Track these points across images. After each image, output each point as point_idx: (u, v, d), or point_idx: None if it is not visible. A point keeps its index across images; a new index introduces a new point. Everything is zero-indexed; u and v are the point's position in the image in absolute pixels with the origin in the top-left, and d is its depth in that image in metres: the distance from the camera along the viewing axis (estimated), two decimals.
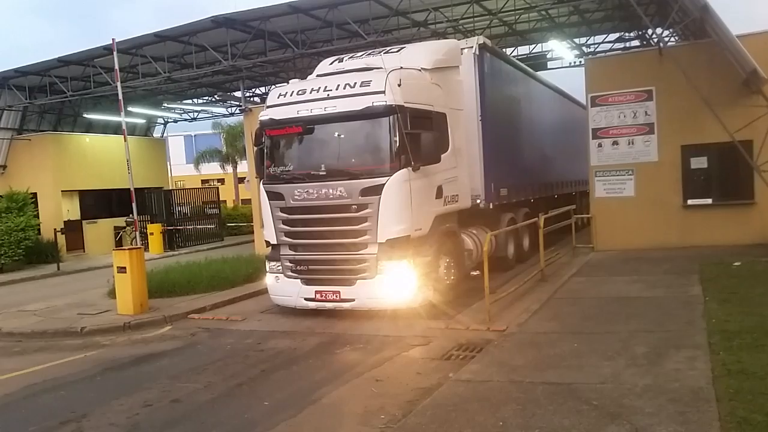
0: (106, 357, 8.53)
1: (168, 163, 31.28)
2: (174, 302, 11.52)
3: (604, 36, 22.31)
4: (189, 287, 12.34)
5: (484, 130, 11.49)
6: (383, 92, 8.84)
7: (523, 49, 22.90)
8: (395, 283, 8.91)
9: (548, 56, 22.66)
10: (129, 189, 12.66)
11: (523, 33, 20.77)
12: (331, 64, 11.24)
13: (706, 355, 6.15)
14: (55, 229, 20.45)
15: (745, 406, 4.77)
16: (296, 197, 9.42)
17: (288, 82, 10.44)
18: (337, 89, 9.25)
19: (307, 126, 9.36)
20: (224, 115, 33.26)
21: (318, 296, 9.47)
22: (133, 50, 18.16)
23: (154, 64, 18.60)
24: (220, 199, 29.51)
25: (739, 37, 11.41)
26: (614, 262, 12.56)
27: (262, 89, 26.97)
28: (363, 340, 8.29)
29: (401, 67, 9.47)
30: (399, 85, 8.94)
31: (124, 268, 10.67)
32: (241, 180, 30.73)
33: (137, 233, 14.31)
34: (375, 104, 8.83)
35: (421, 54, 10.50)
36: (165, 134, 32.03)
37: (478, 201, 11.38)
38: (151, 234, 22.84)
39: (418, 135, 8.96)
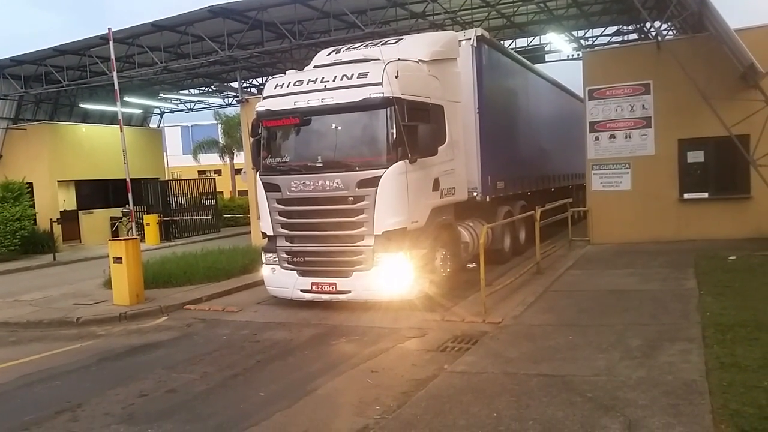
0: (101, 347, 8.53)
1: (164, 153, 31.20)
2: (170, 293, 11.52)
3: (603, 29, 22.29)
4: (185, 278, 12.34)
5: (482, 122, 11.47)
6: (380, 84, 8.81)
7: (521, 42, 22.85)
8: (391, 275, 8.92)
9: (546, 49, 22.62)
10: (125, 179, 12.62)
11: (522, 25, 20.73)
12: (328, 55, 11.20)
13: (699, 348, 6.18)
14: (51, 219, 20.42)
15: (738, 398, 4.81)
16: (293, 189, 9.41)
17: (285, 73, 10.40)
18: (334, 80, 9.21)
19: (303, 117, 9.33)
20: (221, 106, 33.21)
21: (314, 288, 9.48)
22: (129, 40, 18.07)
23: (150, 53, 18.51)
24: (217, 190, 29.46)
25: (737, 31, 11.40)
26: (610, 255, 12.59)
27: (259, 80, 26.87)
28: (359, 332, 8.30)
29: (399, 59, 9.43)
30: (396, 77, 8.91)
31: (120, 258, 10.65)
32: (238, 171, 30.65)
33: (133, 224, 14.25)
34: (372, 96, 8.81)
35: (418, 46, 10.47)
36: (161, 124, 31.94)
37: (475, 194, 11.38)
38: (148, 225, 22.82)
39: (415, 127, 8.95)
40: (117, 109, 13.02)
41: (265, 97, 9.91)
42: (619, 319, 7.62)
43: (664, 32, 16.93)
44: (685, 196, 13.69)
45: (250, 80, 27.39)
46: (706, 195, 13.58)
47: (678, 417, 4.63)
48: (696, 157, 13.62)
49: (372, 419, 5.30)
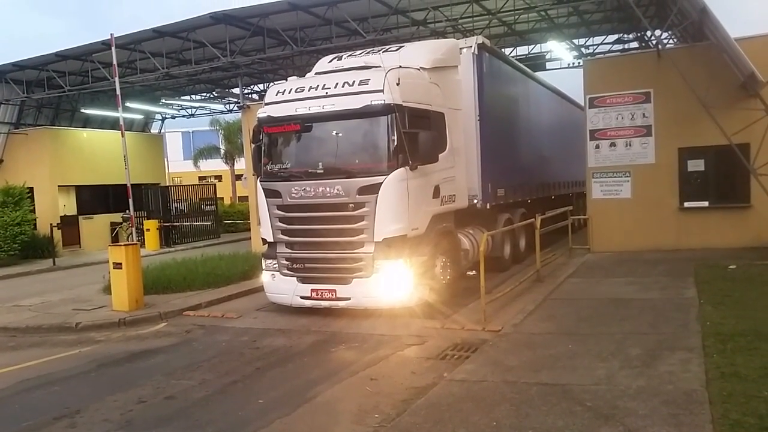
0: (100, 353, 8.51)
1: (165, 159, 31.23)
2: (169, 299, 11.51)
3: (603, 37, 22.36)
4: (185, 284, 12.32)
5: (482, 130, 11.49)
6: (382, 91, 8.83)
7: (522, 50, 22.93)
8: (391, 282, 8.91)
9: (547, 57, 22.66)
10: (126, 184, 12.64)
11: (522, 33, 20.79)
12: (330, 62, 11.24)
13: (700, 357, 6.16)
14: (51, 224, 20.40)
15: (738, 408, 4.79)
16: (293, 195, 9.41)
17: (287, 80, 10.43)
18: (335, 87, 9.24)
19: (305, 124, 9.36)
20: (222, 112, 33.24)
21: (314, 294, 9.47)
22: (131, 46, 18.13)
23: (152, 59, 18.56)
24: (217, 195, 29.46)
25: (737, 40, 11.43)
26: (610, 263, 12.58)
27: (261, 86, 26.94)
28: (358, 339, 8.29)
29: (400, 66, 9.47)
30: (397, 84, 8.93)
31: (120, 264, 10.64)
32: (239, 177, 30.75)
33: (133, 229, 14.25)
34: (373, 103, 8.83)
35: (420, 53, 10.50)
36: (162, 130, 32.00)
37: (475, 201, 11.38)
38: (148, 230, 22.80)
39: (416, 134, 8.96)
40: (118, 114, 13.06)
41: (266, 104, 9.93)
42: (619, 328, 7.61)
43: (665, 41, 16.98)
44: (686, 204, 13.69)
45: (252, 86, 27.47)
46: (706, 204, 13.58)
47: (678, 427, 4.61)
48: (696, 165, 13.63)
49: (371, 427, 5.29)
